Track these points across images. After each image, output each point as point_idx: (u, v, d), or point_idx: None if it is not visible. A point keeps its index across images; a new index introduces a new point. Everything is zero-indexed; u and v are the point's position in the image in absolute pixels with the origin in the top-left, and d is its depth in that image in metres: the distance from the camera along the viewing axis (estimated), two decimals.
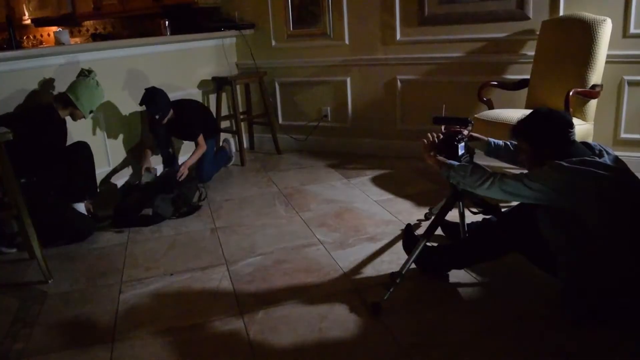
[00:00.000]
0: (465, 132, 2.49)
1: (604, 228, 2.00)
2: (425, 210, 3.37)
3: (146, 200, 3.55)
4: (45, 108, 3.28)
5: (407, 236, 2.74)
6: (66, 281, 2.82)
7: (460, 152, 2.44)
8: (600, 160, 2.02)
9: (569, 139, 2.12)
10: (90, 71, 3.34)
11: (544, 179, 2.05)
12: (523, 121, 2.24)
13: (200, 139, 4.17)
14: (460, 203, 2.62)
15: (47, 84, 3.52)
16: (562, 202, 2.03)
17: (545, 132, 2.15)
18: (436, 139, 2.47)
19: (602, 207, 1.99)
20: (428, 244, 2.51)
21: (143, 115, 4.27)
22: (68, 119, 3.39)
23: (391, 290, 2.33)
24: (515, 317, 2.22)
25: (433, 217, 2.56)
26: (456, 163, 2.33)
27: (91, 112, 3.38)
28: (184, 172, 3.98)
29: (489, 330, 2.15)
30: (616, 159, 2.10)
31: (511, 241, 2.32)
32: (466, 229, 2.71)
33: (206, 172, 4.28)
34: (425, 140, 2.49)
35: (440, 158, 2.41)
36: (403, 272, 2.36)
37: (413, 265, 2.49)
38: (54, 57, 3.59)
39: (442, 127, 2.53)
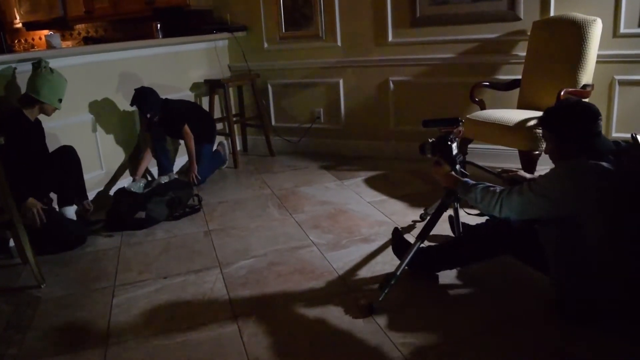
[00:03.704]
0: (461, 129, 2.50)
1: (604, 233, 1.98)
2: (419, 210, 3.37)
3: (139, 203, 3.53)
4: (14, 114, 3.20)
5: (396, 240, 2.74)
6: (59, 286, 2.81)
7: (454, 152, 2.44)
8: (617, 162, 1.98)
9: (594, 132, 2.06)
10: (39, 61, 3.22)
11: (546, 185, 2.03)
12: (550, 112, 2.19)
13: (186, 128, 4.21)
14: (456, 203, 2.62)
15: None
16: (565, 209, 2.00)
17: (571, 125, 2.09)
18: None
19: (604, 211, 1.97)
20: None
21: (138, 116, 4.29)
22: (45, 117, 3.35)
23: (386, 291, 2.33)
24: (510, 317, 2.22)
25: (428, 219, 2.55)
26: (469, 182, 2.30)
27: (60, 100, 3.27)
28: (195, 174, 4.24)
29: (484, 330, 2.16)
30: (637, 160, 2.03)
31: (506, 241, 2.33)
32: (461, 228, 2.71)
33: (200, 175, 4.28)
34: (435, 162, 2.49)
35: (453, 176, 2.40)
36: (398, 274, 2.36)
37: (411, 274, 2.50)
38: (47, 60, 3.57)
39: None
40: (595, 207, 1.96)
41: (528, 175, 2.51)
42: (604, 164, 1.97)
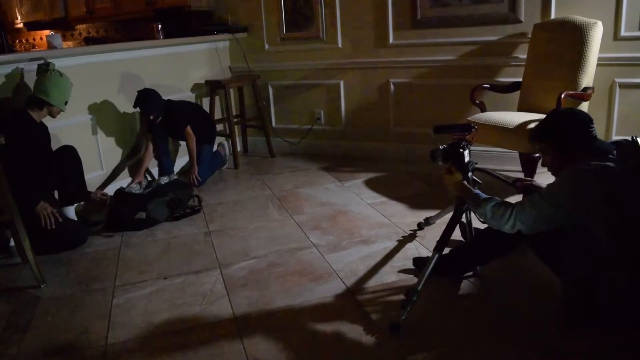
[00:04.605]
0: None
1: (613, 235, 1.97)
2: (419, 212, 3.38)
3: (140, 204, 3.53)
4: (20, 115, 3.21)
5: (419, 264, 2.69)
6: (59, 286, 2.81)
7: (467, 159, 2.39)
8: (624, 164, 1.98)
9: (591, 135, 2.08)
10: (47, 64, 3.25)
11: (556, 191, 2.02)
12: (545, 122, 2.20)
13: (188, 130, 4.22)
14: (468, 212, 2.60)
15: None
16: (576, 214, 1.99)
17: (570, 129, 2.10)
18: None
19: (612, 214, 1.96)
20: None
21: (139, 117, 4.31)
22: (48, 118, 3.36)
23: (408, 309, 2.21)
24: (512, 319, 2.22)
25: (444, 229, 2.45)
26: (481, 196, 2.23)
27: (66, 102, 3.32)
28: (195, 175, 4.24)
29: (486, 331, 2.15)
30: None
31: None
32: (473, 233, 2.70)
33: (201, 176, 4.29)
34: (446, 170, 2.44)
35: (464, 186, 2.34)
36: (419, 289, 2.25)
37: (410, 276, 2.49)
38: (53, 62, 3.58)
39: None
40: (605, 209, 1.96)
41: (543, 185, 2.45)
42: (610, 164, 1.97)
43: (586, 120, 2.10)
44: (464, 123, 2.47)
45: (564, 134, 2.12)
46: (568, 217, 2.03)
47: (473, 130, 2.41)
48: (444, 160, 2.44)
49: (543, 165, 2.25)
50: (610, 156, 2.01)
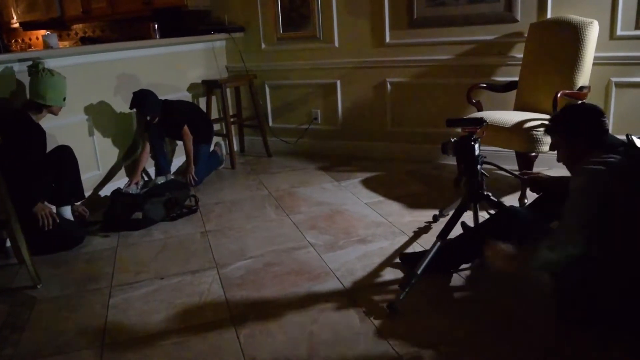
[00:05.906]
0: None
1: (616, 234, 1.97)
2: (416, 211, 3.39)
3: (136, 204, 3.53)
4: (19, 115, 3.21)
5: (407, 260, 2.70)
6: (55, 286, 2.80)
7: (477, 152, 2.45)
8: (629, 155, 1.98)
9: (602, 128, 2.07)
10: (36, 64, 3.22)
11: (581, 196, 1.97)
12: (556, 116, 2.22)
13: (185, 129, 4.22)
14: (476, 205, 2.62)
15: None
16: (596, 212, 1.96)
17: (578, 122, 2.11)
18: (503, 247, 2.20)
19: (616, 213, 1.95)
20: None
21: (136, 117, 4.31)
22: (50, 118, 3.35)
23: (407, 290, 2.32)
24: (510, 319, 2.22)
25: (448, 219, 2.52)
26: (530, 252, 2.11)
27: (64, 98, 3.31)
28: (192, 175, 4.25)
29: (483, 331, 2.16)
30: None
31: (515, 233, 2.29)
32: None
33: (197, 176, 4.29)
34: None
35: (515, 255, 2.15)
36: (418, 272, 2.34)
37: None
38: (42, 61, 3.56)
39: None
40: (614, 206, 1.94)
41: (546, 176, 2.52)
42: (616, 158, 1.96)
43: (595, 113, 2.10)
44: (475, 117, 2.51)
45: (571, 128, 2.13)
46: (593, 217, 1.96)
47: (484, 124, 2.46)
48: (454, 153, 2.51)
49: (558, 160, 2.25)
50: (620, 149, 2.00)
